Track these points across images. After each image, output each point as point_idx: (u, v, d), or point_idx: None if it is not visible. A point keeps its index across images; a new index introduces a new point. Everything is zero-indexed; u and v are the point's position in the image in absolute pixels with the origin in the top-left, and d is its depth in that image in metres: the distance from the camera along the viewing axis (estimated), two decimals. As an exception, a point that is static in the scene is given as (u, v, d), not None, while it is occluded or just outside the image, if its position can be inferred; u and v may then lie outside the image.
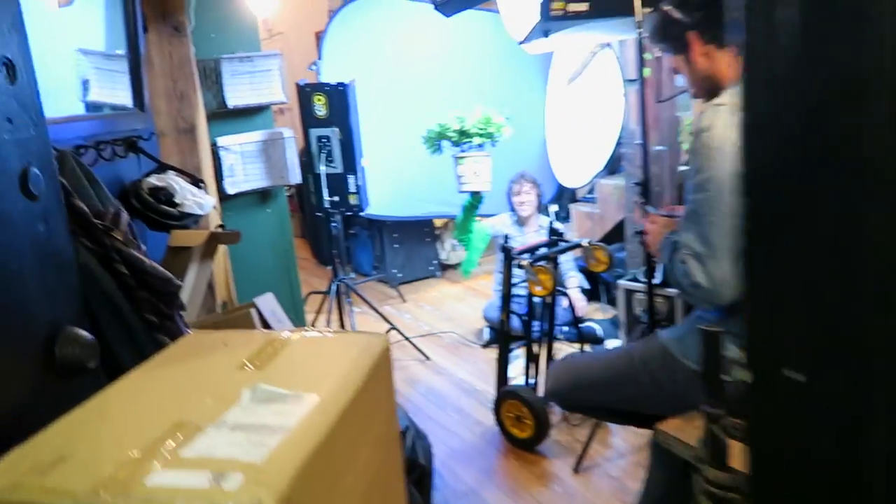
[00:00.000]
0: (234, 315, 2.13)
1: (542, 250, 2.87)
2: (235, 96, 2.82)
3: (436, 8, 3.06)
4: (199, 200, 2.00)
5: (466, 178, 3.27)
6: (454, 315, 4.50)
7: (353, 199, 3.73)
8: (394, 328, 3.76)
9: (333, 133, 3.62)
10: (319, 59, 4.49)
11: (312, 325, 3.83)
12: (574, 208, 4.81)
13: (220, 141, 2.78)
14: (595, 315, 4.16)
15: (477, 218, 3.50)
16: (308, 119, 3.62)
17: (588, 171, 4.58)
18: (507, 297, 2.75)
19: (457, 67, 4.77)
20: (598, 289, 4.42)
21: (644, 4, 2.27)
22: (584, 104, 4.60)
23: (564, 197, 5.53)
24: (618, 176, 4.52)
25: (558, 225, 2.98)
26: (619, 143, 4.34)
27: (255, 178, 2.89)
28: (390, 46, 4.62)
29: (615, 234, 4.52)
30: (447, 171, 4.52)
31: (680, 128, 3.68)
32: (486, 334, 3.99)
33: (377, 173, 4.25)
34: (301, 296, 3.16)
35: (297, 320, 3.16)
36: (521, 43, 2.70)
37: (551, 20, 2.41)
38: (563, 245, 2.84)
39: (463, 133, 3.23)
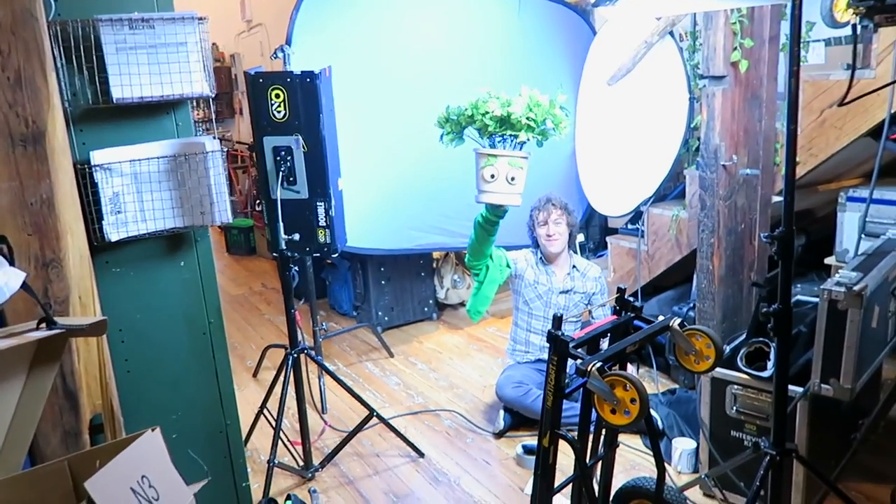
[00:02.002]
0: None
1: (607, 342, 1.90)
2: (125, 84, 1.78)
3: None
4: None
5: (496, 185, 2.60)
6: (456, 380, 3.77)
7: (322, 236, 2.78)
8: (374, 414, 2.80)
9: (296, 143, 2.69)
10: (288, 43, 3.53)
11: (265, 409, 2.84)
12: (612, 242, 4.02)
13: (97, 157, 1.75)
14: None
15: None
16: (261, 123, 2.71)
17: (633, 196, 3.79)
18: (553, 414, 1.75)
19: (462, 59, 3.94)
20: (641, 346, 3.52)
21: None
22: (631, 110, 3.82)
23: (594, 224, 4.68)
24: (673, 203, 3.69)
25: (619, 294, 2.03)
26: (675, 163, 3.43)
27: (159, 216, 1.86)
28: (378, 30, 3.78)
29: (666, 279, 3.77)
30: (451, 192, 3.86)
31: (780, 144, 2.73)
32: (502, 419, 3.15)
33: (358, 196, 3.56)
34: (234, 397, 2.15)
35: (231, 432, 2.15)
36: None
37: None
38: (644, 328, 1.86)
39: (505, 122, 2.51)
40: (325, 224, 2.80)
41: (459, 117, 2.63)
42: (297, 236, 2.69)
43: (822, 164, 2.78)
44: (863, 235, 2.75)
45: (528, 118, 2.49)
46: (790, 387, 2.18)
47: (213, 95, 1.91)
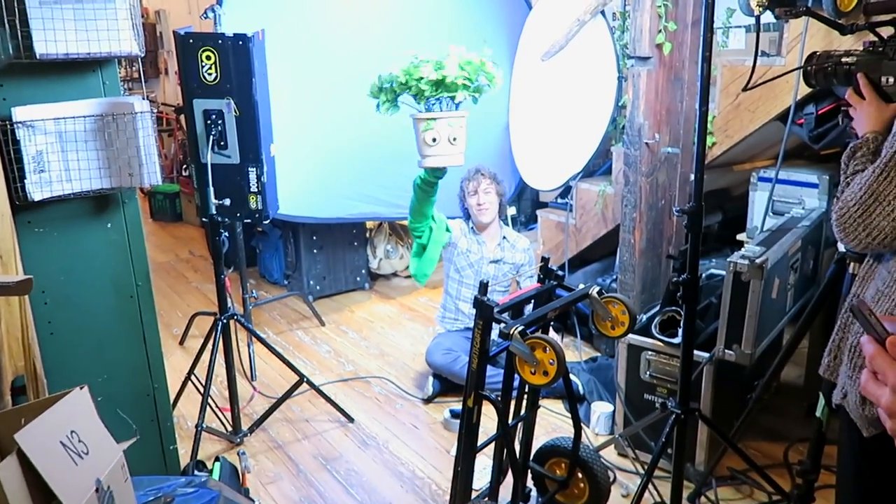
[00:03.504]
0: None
1: (531, 307, 2.01)
2: (49, 40, 1.75)
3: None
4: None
5: (438, 147, 2.63)
6: (387, 348, 3.85)
7: (253, 202, 2.78)
8: (304, 380, 2.85)
9: (227, 106, 2.68)
10: (219, 3, 3.46)
11: (192, 375, 2.85)
12: (542, 215, 4.13)
13: (19, 114, 1.72)
14: (566, 355, 3.44)
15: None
16: (191, 85, 2.70)
17: (564, 171, 3.90)
18: (478, 376, 1.85)
19: (397, 26, 3.94)
20: (565, 315, 3.78)
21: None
22: (563, 86, 3.92)
23: (525, 198, 4.82)
24: (601, 179, 3.84)
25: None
26: (603, 140, 3.60)
27: (84, 176, 1.85)
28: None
29: (592, 251, 3.94)
30: (388, 162, 3.93)
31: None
32: (431, 385, 3.25)
33: (291, 163, 3.52)
34: (162, 360, 2.17)
35: (159, 395, 2.17)
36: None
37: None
38: (565, 296, 1.98)
39: (440, 84, 2.54)
40: (256, 190, 2.79)
41: (393, 85, 2.65)
42: (227, 201, 2.68)
43: (737, 145, 2.97)
44: (770, 213, 2.97)
45: (462, 78, 2.55)
46: (697, 352, 2.38)
47: (143, 55, 1.90)
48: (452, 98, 2.57)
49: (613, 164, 3.60)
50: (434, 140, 2.61)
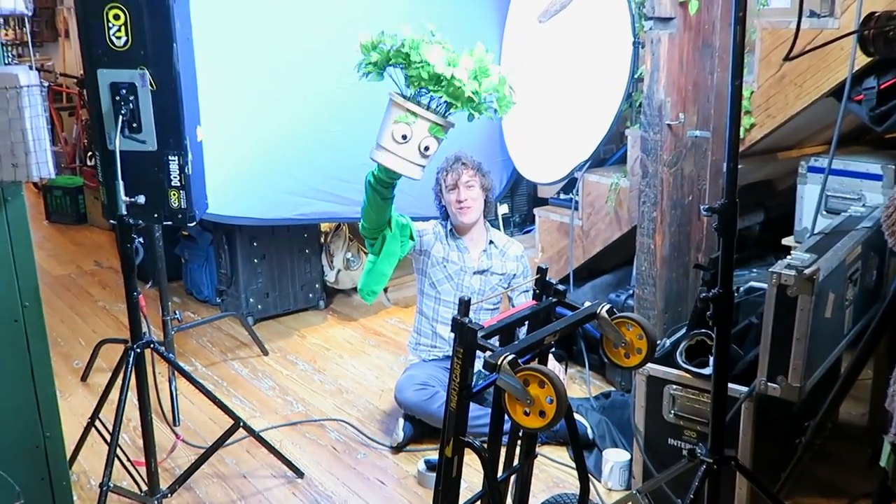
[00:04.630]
0: None
1: (525, 331, 2.08)
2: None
3: None
4: None
5: (404, 148, 2.65)
6: (346, 382, 3.88)
7: (175, 200, 2.79)
8: (240, 425, 2.85)
9: (141, 78, 2.71)
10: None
11: (96, 420, 2.84)
12: (541, 215, 4.18)
13: None
14: (572, 390, 3.64)
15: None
16: (95, 52, 2.69)
17: (567, 159, 3.94)
18: (458, 418, 1.87)
19: None
20: (571, 340, 3.85)
21: None
22: (565, 55, 3.95)
23: (520, 193, 4.90)
24: (613, 169, 3.88)
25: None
26: (616, 121, 3.69)
27: (-45, 168, 1.83)
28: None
29: (603, 260, 3.98)
30: (347, 149, 3.96)
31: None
32: (402, 429, 3.27)
33: (225, 150, 3.55)
34: (56, 402, 2.15)
35: (52, 446, 2.14)
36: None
37: None
38: (567, 316, 2.02)
39: (441, 82, 2.55)
40: (179, 184, 2.79)
41: (391, 50, 2.63)
42: (141, 199, 2.66)
43: (781, 126, 3.00)
44: (822, 212, 3.00)
45: (472, 91, 2.55)
46: (734, 386, 2.39)
47: (31, 14, 1.89)
48: (449, 104, 2.59)
49: (629, 151, 3.62)
50: (404, 138, 2.61)
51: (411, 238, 3.22)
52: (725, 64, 3.01)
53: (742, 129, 3.06)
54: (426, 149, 2.65)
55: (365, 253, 4.79)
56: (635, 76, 3.56)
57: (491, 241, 3.36)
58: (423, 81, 2.57)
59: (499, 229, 3.89)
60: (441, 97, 2.57)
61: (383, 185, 2.82)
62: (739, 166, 1.96)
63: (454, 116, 2.68)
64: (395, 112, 2.64)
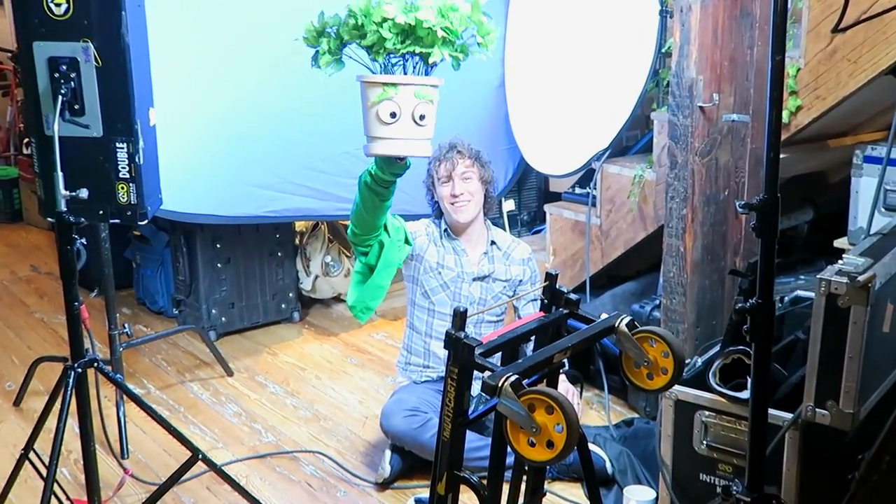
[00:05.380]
0: None
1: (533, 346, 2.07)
2: None
3: None
4: None
5: (398, 127, 2.62)
6: (325, 408, 3.91)
7: (124, 194, 2.84)
8: (199, 457, 2.87)
9: (85, 52, 2.75)
10: None
11: (31, 451, 2.84)
12: (553, 212, 4.22)
13: None
14: (589, 417, 3.67)
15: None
16: (30, 22, 2.72)
17: (584, 147, 3.99)
18: (453, 449, 1.90)
19: None
20: (587, 359, 3.84)
21: None
22: (582, 27, 4.01)
23: (529, 186, 5.02)
24: (637, 159, 3.92)
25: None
26: (640, 103, 3.76)
27: None
28: None
29: (625, 265, 4.03)
30: (325, 136, 4.02)
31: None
32: (389, 462, 3.28)
33: (182, 136, 3.62)
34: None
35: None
36: None
37: None
38: (581, 329, 2.06)
39: (409, 33, 2.55)
40: (128, 175, 2.82)
41: (340, 29, 2.66)
42: (84, 193, 2.68)
43: (833, 109, 3.02)
44: (881, 209, 3.02)
45: (443, 28, 2.56)
46: (776, 412, 2.40)
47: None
48: (425, 58, 2.60)
49: (655, 138, 3.66)
50: (393, 116, 2.62)
51: (407, 242, 3.23)
52: (766, 36, 3.03)
53: (786, 113, 3.09)
54: (422, 118, 2.65)
55: (348, 256, 4.82)
56: (662, 51, 3.59)
57: (493, 242, 3.37)
58: (387, 44, 2.58)
59: (504, 229, 3.90)
60: (414, 52, 2.59)
61: (384, 184, 2.83)
62: (783, 156, 1.97)
63: (437, 72, 2.68)
64: (372, 92, 2.65)
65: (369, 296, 3.20)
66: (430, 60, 2.62)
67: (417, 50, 2.60)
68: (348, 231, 3.15)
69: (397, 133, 2.68)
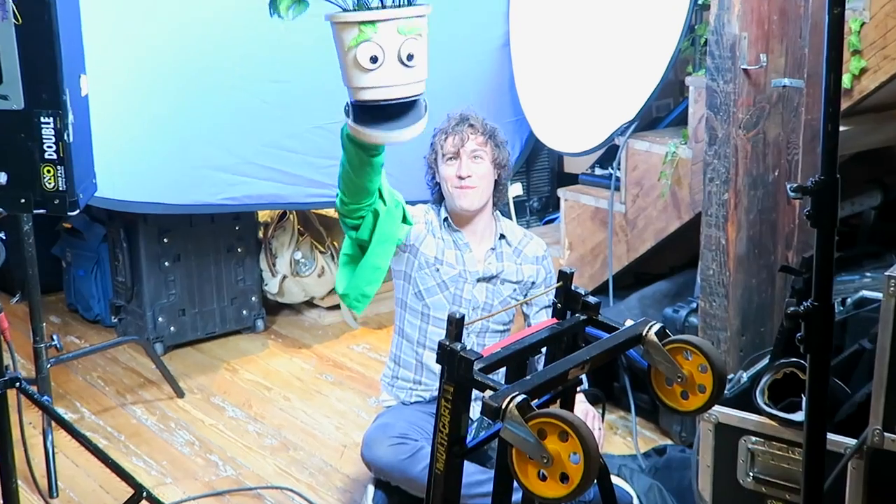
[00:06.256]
0: None
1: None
2: None
3: None
4: None
5: (382, 72, 2.60)
6: (295, 435, 3.94)
7: (51, 178, 2.84)
8: (144, 495, 2.87)
9: (1, 8, 2.75)
10: None
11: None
12: (568, 197, 4.24)
13: None
14: (613, 444, 3.74)
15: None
16: None
17: (605, 120, 4.01)
18: (447, 483, 1.90)
19: None
20: (610, 374, 3.89)
21: None
22: None
23: (539, 167, 5.04)
24: (670, 133, 3.94)
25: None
26: (672, 65, 3.77)
27: None
28: None
29: (655, 261, 4.05)
30: (293, 105, 4.07)
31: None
32: (372, 500, 3.31)
33: (120, 110, 3.66)
34: None
35: None
36: None
37: None
38: (602, 339, 2.08)
39: None
40: (56, 156, 2.84)
41: None
42: (3, 178, 2.71)
43: (904, 73, 3.04)
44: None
45: None
46: (838, 438, 2.41)
47: None
48: None
49: (690, 108, 3.67)
50: (374, 60, 2.63)
51: (405, 221, 3.21)
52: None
53: (848, 77, 3.09)
54: (410, 57, 2.66)
55: (322, 252, 4.83)
56: (698, 3, 3.59)
57: (502, 237, 3.38)
58: None
59: (510, 218, 3.90)
60: None
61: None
62: (844, 128, 1.97)
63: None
64: (347, 35, 2.65)
65: (364, 280, 3.16)
66: None
67: None
68: (336, 201, 3.10)
69: (382, 80, 2.67)
